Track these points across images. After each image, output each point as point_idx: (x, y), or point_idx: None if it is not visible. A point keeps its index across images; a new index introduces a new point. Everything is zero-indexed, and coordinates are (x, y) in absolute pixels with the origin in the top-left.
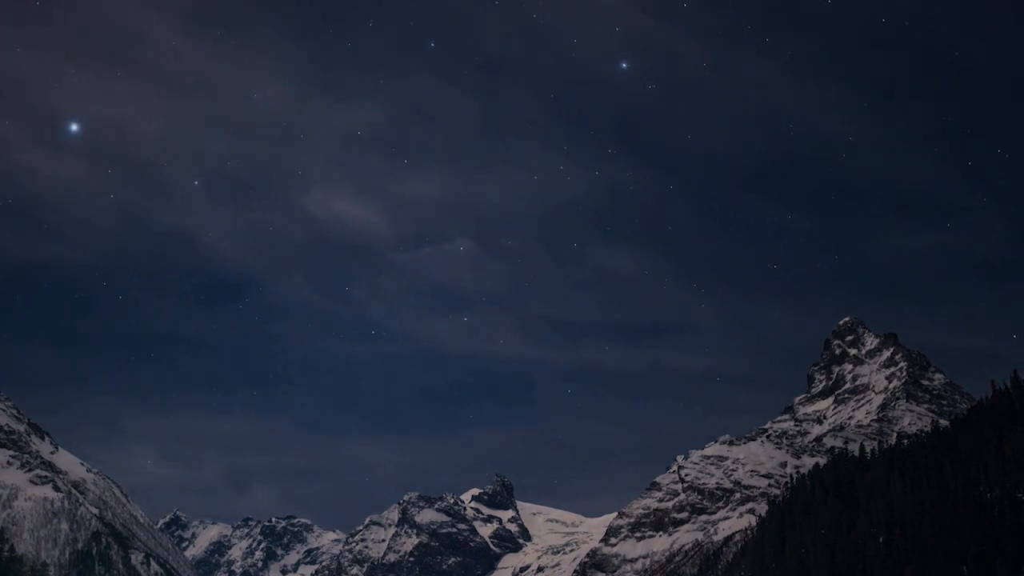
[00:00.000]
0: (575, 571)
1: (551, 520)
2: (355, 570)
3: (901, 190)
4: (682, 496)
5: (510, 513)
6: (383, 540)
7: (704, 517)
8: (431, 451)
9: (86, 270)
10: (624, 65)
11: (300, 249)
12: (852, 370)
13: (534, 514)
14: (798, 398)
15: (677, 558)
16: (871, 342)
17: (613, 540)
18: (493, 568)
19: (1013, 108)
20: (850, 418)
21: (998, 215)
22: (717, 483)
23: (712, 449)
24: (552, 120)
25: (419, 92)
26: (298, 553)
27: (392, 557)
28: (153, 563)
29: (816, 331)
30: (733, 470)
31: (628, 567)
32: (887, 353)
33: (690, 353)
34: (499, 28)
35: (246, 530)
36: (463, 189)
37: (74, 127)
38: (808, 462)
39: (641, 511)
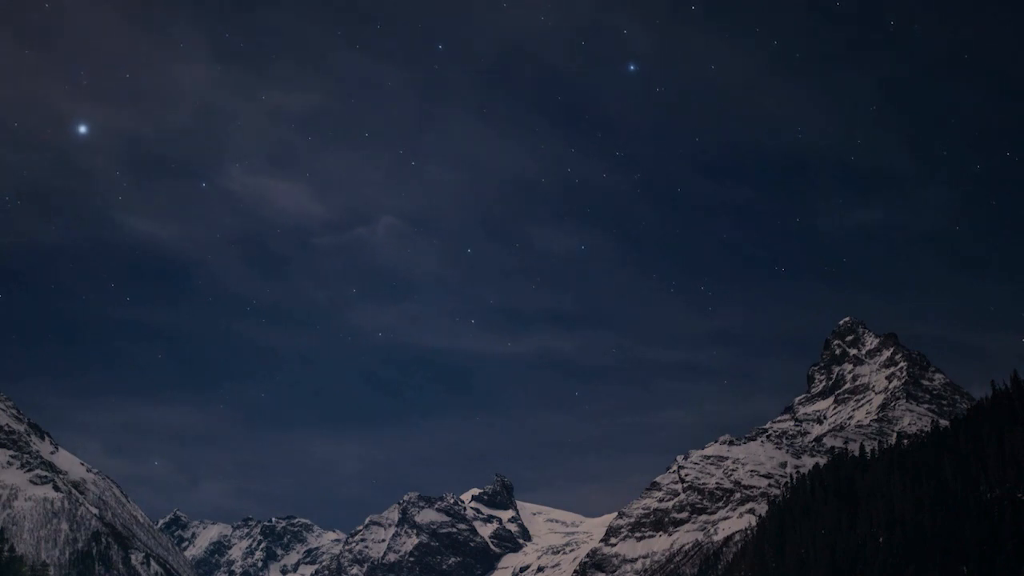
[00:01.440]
0: (575, 571)
1: (551, 520)
2: (355, 570)
3: (850, 166)
4: (682, 496)
5: (510, 513)
6: (383, 540)
7: (704, 517)
8: (388, 445)
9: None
10: (570, 43)
11: (232, 233)
12: (852, 370)
13: (534, 514)
14: (798, 398)
15: (677, 558)
16: (871, 342)
17: (613, 540)
18: (493, 568)
19: (958, 76)
20: (850, 418)
21: (947, 189)
22: (717, 483)
23: (712, 449)
24: (493, 97)
25: (352, 69)
26: (298, 553)
27: (392, 557)
28: (153, 563)
29: (778, 314)
30: (733, 470)
31: (628, 567)
32: (887, 353)
33: (646, 343)
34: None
35: (246, 530)
36: (399, 168)
37: None
38: (808, 462)
39: (641, 511)
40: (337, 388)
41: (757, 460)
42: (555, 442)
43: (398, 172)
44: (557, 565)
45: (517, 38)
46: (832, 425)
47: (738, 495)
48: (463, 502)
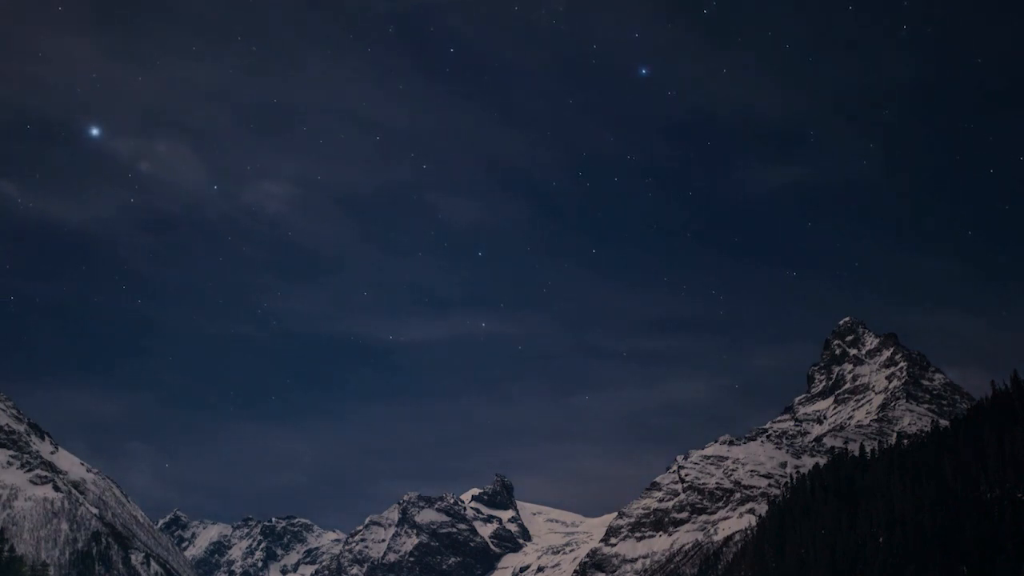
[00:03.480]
0: (575, 571)
1: (551, 520)
2: (355, 570)
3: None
4: (682, 496)
5: (510, 513)
6: (383, 540)
7: (704, 517)
8: (322, 435)
9: None
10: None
11: (127, 206)
12: (852, 370)
13: (534, 514)
14: (798, 398)
15: (677, 558)
16: (871, 342)
17: (613, 540)
18: (493, 568)
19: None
20: (850, 418)
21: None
22: (717, 483)
23: (712, 449)
24: (389, 55)
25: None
26: (298, 553)
27: (392, 557)
28: (153, 563)
29: (692, 288)
30: (733, 470)
31: (628, 567)
32: (887, 353)
33: (579, 327)
34: None
35: (246, 530)
36: (308, 139)
37: None
38: (808, 462)
39: (641, 511)
40: (254, 372)
41: (757, 460)
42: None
43: (306, 143)
44: (557, 565)
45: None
46: (832, 425)
47: (738, 495)
48: (463, 502)
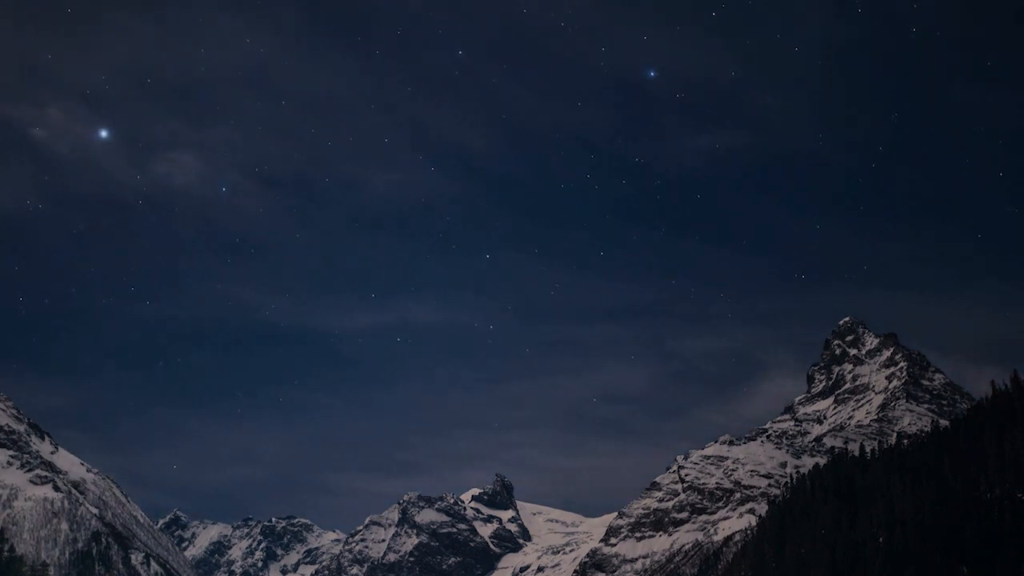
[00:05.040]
0: (575, 571)
1: (551, 520)
2: (355, 570)
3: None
4: (682, 496)
5: (510, 513)
6: (383, 540)
7: (704, 517)
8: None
9: None
10: None
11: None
12: (852, 370)
13: (534, 514)
14: (798, 398)
15: (677, 558)
16: (871, 342)
17: (613, 540)
18: (493, 568)
19: None
20: (850, 418)
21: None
22: (717, 483)
23: (712, 449)
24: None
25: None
26: (298, 553)
27: (392, 557)
28: (153, 563)
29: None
30: (733, 470)
31: (628, 567)
32: (887, 353)
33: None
34: None
35: (246, 530)
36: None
37: None
38: (808, 462)
39: (641, 511)
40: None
41: (757, 460)
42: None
43: (243, 120)
44: (557, 565)
45: None
46: (832, 425)
47: (738, 495)
48: (463, 502)
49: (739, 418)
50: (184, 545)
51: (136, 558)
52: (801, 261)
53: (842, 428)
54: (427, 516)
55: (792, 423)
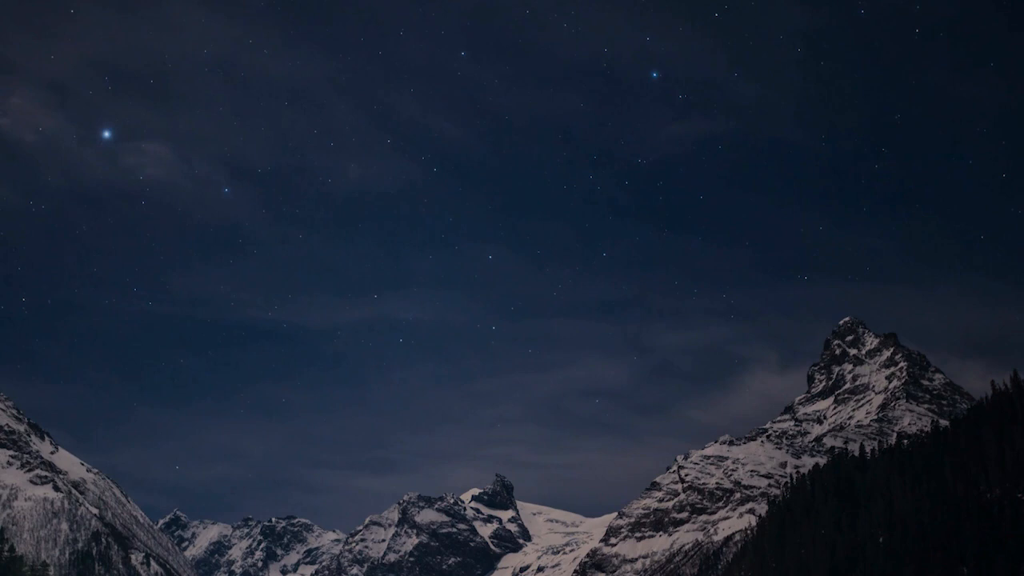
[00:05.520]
0: (575, 571)
1: (551, 520)
2: (355, 570)
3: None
4: (682, 496)
5: (510, 513)
6: (383, 540)
7: (704, 517)
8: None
9: None
10: None
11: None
12: (852, 370)
13: (534, 514)
14: (798, 398)
15: (677, 558)
16: (871, 342)
17: (613, 540)
18: (493, 568)
19: None
20: (850, 418)
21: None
22: (717, 483)
23: (712, 449)
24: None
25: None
26: (298, 553)
27: (392, 557)
28: (153, 563)
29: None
30: (733, 470)
31: (628, 567)
32: (887, 353)
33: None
34: None
35: (246, 530)
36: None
37: None
38: (808, 462)
39: (641, 511)
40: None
41: (757, 460)
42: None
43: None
44: (557, 565)
45: None
46: (832, 425)
47: (738, 495)
48: (463, 502)
49: (724, 415)
50: (184, 545)
51: (136, 558)
52: (801, 259)
53: (842, 428)
54: (427, 516)
55: (792, 423)
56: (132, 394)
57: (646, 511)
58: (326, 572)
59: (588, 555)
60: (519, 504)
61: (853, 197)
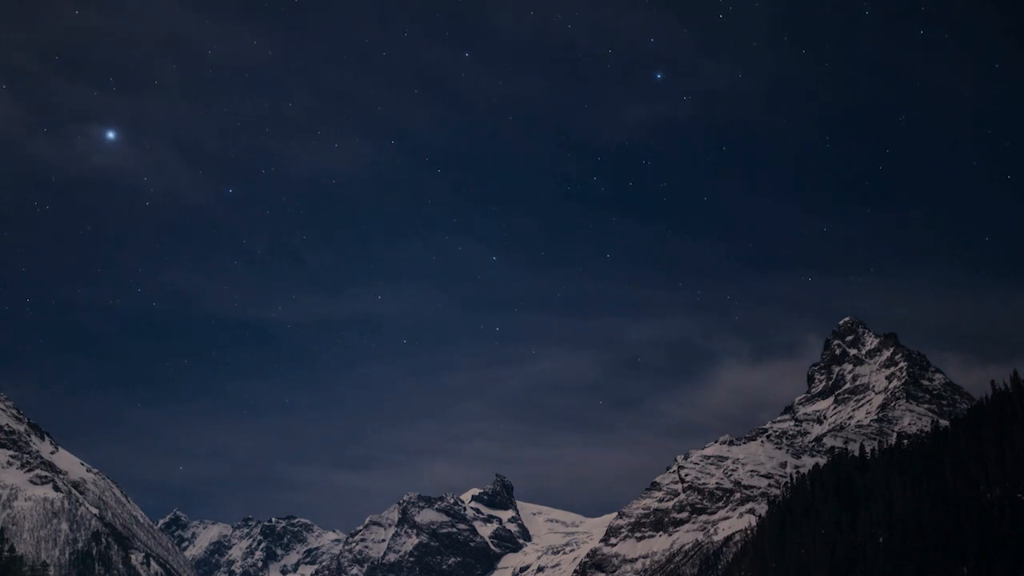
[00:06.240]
0: (575, 571)
1: (551, 520)
2: (355, 570)
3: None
4: (682, 496)
5: (510, 513)
6: (383, 540)
7: (704, 517)
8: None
9: None
10: None
11: None
12: (852, 370)
13: (534, 514)
14: (798, 398)
15: (677, 558)
16: (871, 342)
17: (613, 540)
18: (493, 568)
19: None
20: (850, 418)
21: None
22: (717, 483)
23: (712, 449)
24: None
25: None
26: (298, 553)
27: (392, 557)
28: (153, 563)
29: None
30: (733, 470)
31: (628, 567)
32: (887, 353)
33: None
34: None
35: (246, 530)
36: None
37: None
38: (808, 462)
39: (641, 511)
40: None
41: (757, 460)
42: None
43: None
44: (557, 565)
45: None
46: (832, 425)
47: (738, 495)
48: (463, 502)
49: (700, 410)
50: (184, 545)
51: (136, 558)
52: (773, 250)
53: (842, 428)
54: (427, 516)
55: (792, 423)
56: (87, 383)
57: (646, 511)
58: (326, 572)
59: (588, 555)
60: (519, 504)
61: (820, 186)
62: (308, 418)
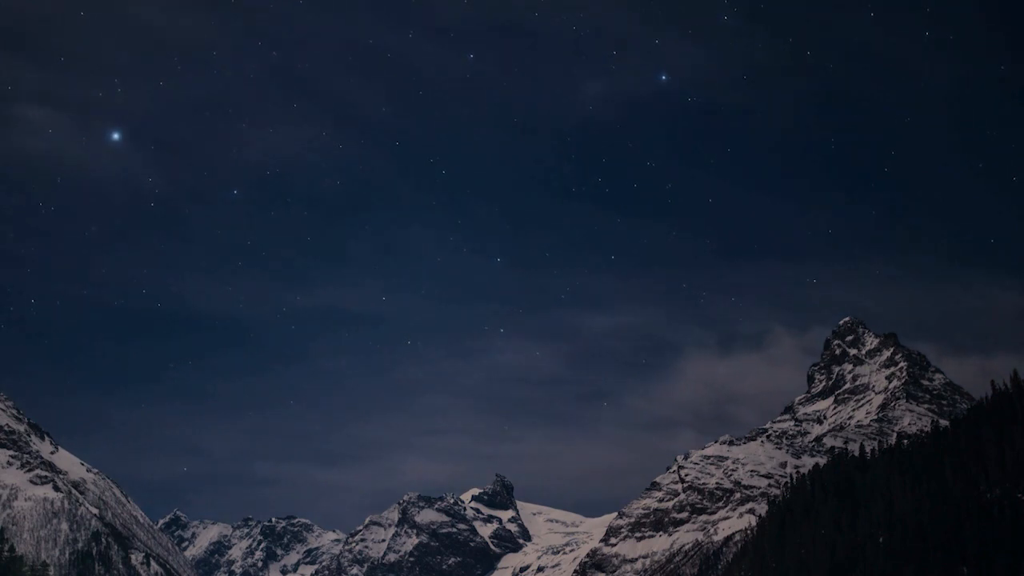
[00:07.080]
0: (575, 571)
1: (551, 520)
2: (355, 570)
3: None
4: (682, 496)
5: (510, 513)
6: (383, 540)
7: (704, 517)
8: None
9: None
10: None
11: None
12: (852, 370)
13: (534, 514)
14: (798, 398)
15: (677, 558)
16: (871, 342)
17: (613, 540)
18: (493, 568)
19: None
20: (850, 418)
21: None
22: (717, 483)
23: (712, 449)
24: None
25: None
26: (298, 553)
27: (392, 557)
28: (153, 563)
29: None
30: (733, 470)
31: (628, 567)
32: (887, 353)
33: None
34: None
35: (246, 530)
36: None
37: None
38: (808, 462)
39: (641, 511)
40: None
41: (757, 460)
42: None
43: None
44: (557, 565)
45: None
46: (832, 425)
47: (738, 495)
48: (463, 502)
49: (666, 403)
50: (184, 545)
51: (136, 558)
52: (737, 238)
53: (842, 428)
54: (427, 516)
55: (792, 423)
56: (65, 379)
57: (646, 511)
58: (326, 572)
59: (588, 555)
60: (519, 504)
61: (798, 174)
62: (262, 414)
